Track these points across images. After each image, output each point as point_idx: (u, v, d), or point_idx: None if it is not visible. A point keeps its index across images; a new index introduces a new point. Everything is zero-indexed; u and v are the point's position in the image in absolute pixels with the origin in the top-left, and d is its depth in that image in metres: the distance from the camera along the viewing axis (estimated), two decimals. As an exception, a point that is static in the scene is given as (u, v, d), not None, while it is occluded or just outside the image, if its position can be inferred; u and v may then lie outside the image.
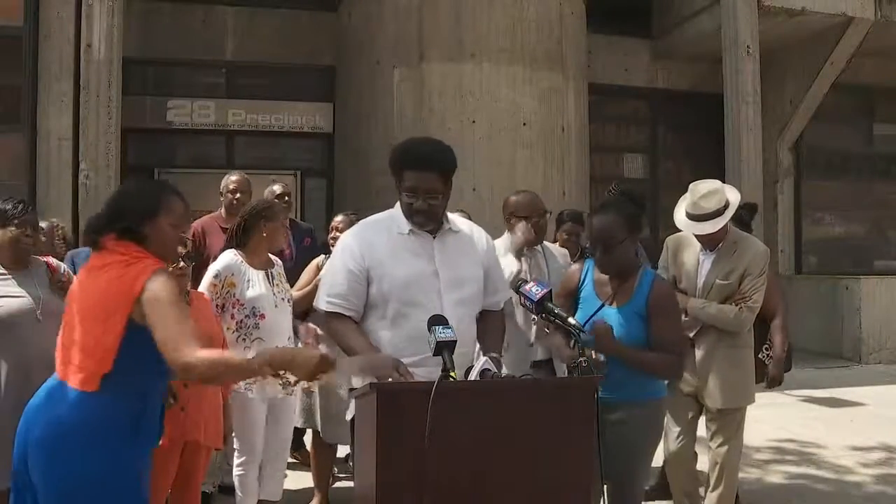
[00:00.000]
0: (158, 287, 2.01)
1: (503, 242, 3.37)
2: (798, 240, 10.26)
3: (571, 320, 2.21)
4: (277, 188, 4.97)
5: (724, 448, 3.33)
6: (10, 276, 3.01)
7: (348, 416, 2.60)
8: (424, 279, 2.42)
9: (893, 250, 10.84)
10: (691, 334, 3.32)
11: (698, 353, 3.31)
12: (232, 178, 4.76)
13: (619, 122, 10.41)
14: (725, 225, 3.28)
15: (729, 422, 3.34)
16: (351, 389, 2.38)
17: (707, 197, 3.24)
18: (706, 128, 9.69)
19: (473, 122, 7.55)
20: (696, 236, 3.34)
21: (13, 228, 3.00)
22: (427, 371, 2.29)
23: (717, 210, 3.23)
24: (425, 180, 2.41)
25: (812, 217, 10.44)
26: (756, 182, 8.31)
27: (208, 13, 8.85)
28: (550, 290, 2.34)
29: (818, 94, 9.60)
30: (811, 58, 9.45)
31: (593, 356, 2.17)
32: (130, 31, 7.60)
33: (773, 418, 5.77)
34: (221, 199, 4.76)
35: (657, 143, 10.48)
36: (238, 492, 3.53)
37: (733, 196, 3.32)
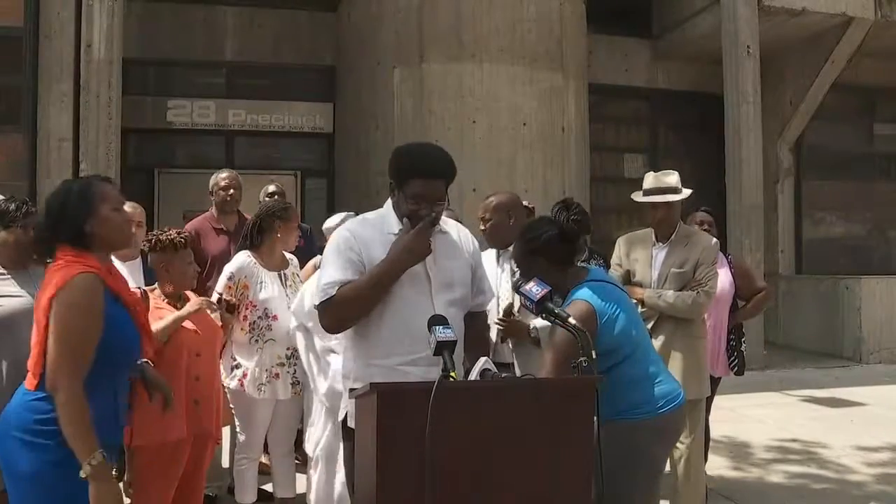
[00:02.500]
0: (66, 295, 2.01)
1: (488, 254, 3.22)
2: (798, 240, 10.26)
3: (572, 320, 2.19)
4: (271, 187, 4.98)
5: (690, 440, 3.38)
6: (9, 276, 3.01)
7: (340, 417, 2.58)
8: (416, 280, 2.39)
9: (893, 250, 10.84)
10: (649, 325, 3.34)
11: (656, 343, 3.26)
12: (222, 176, 4.67)
13: (619, 122, 10.41)
14: (679, 208, 3.56)
15: (691, 412, 3.31)
16: (351, 390, 2.36)
17: (667, 174, 3.58)
18: (706, 128, 9.69)
19: (473, 122, 7.54)
20: (653, 225, 3.55)
21: (17, 230, 3.00)
22: (419, 370, 2.29)
23: (676, 186, 3.56)
24: (434, 188, 2.39)
25: (812, 217, 10.43)
26: (756, 182, 8.30)
27: (208, 13, 8.86)
28: (551, 290, 2.32)
29: (818, 94, 9.61)
30: (811, 58, 9.45)
31: (594, 356, 2.15)
32: (130, 31, 7.60)
33: (773, 418, 5.76)
34: (212, 197, 4.68)
35: (657, 143, 10.48)
36: (239, 484, 3.68)
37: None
